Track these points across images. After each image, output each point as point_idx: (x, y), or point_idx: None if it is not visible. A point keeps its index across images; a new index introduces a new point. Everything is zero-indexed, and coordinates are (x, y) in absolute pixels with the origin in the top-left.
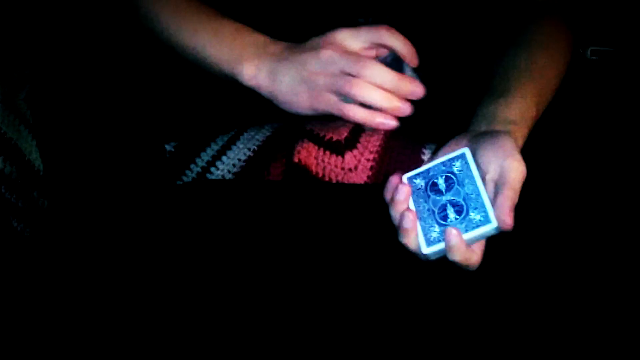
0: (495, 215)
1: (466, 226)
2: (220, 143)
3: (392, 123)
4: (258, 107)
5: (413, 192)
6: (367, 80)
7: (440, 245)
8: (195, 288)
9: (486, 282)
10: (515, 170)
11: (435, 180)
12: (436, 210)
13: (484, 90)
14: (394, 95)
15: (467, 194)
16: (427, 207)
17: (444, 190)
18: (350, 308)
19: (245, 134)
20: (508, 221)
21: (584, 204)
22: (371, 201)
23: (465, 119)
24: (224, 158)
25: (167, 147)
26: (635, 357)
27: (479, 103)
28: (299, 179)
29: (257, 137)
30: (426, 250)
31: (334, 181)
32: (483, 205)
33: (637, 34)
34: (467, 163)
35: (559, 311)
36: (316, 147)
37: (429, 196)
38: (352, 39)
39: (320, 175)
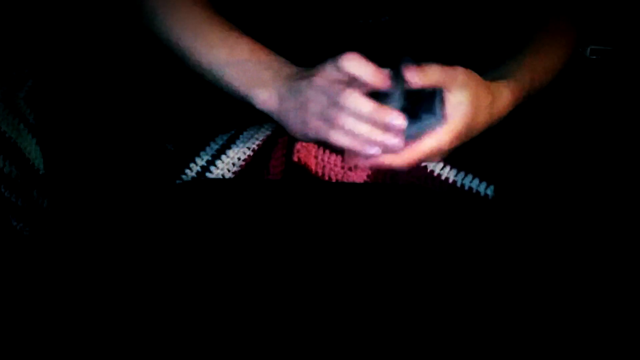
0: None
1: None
2: (220, 142)
3: (373, 151)
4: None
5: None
6: (349, 110)
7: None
8: (195, 287)
9: (486, 282)
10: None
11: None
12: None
13: None
14: (377, 127)
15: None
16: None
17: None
18: (351, 307)
19: (244, 133)
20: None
21: (583, 204)
22: (371, 200)
23: None
24: (223, 157)
25: (167, 146)
26: (636, 357)
27: None
28: (299, 178)
29: (256, 136)
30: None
31: (334, 180)
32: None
33: (637, 33)
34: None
35: (559, 311)
36: (316, 146)
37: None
38: (335, 69)
39: (320, 174)
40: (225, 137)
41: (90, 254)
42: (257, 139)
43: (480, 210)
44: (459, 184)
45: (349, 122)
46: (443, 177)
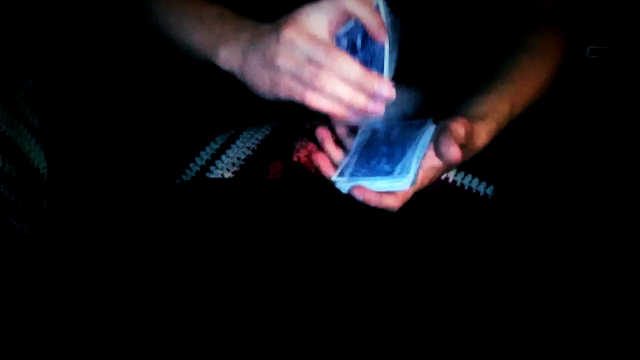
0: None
1: (377, 171)
2: (220, 142)
3: (356, 118)
4: (257, 106)
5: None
6: (332, 72)
7: (343, 180)
8: (195, 287)
9: (486, 282)
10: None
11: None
12: (372, 155)
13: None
14: (361, 92)
15: (395, 150)
16: (370, 149)
17: (382, 140)
18: (350, 307)
19: (244, 133)
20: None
21: (583, 203)
22: None
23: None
24: (223, 157)
25: (167, 146)
26: (636, 357)
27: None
28: (299, 178)
29: (256, 136)
30: (333, 177)
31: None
32: (402, 157)
33: (637, 33)
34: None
35: (558, 310)
36: (316, 146)
37: (373, 145)
38: (317, 16)
39: (320, 174)
40: (225, 137)
41: (90, 253)
42: (257, 139)
43: (480, 210)
44: (458, 184)
45: (331, 85)
46: (443, 177)
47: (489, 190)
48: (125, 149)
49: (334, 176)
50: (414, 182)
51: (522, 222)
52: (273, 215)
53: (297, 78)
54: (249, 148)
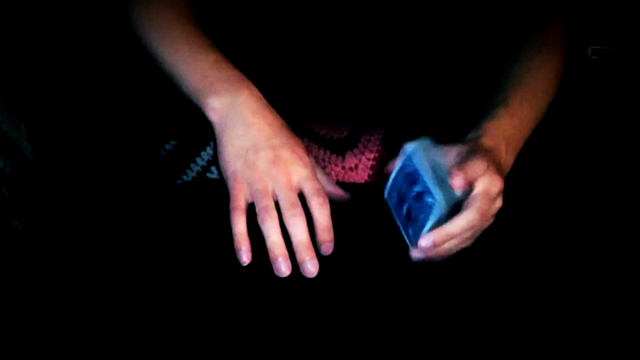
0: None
1: (424, 216)
2: None
3: (284, 271)
4: None
5: (392, 209)
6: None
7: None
8: (195, 287)
9: (486, 282)
10: (481, 182)
11: (401, 190)
12: (404, 215)
13: (484, 96)
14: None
15: (422, 188)
16: (403, 216)
17: (405, 197)
18: (350, 307)
19: None
20: (457, 182)
21: (583, 203)
22: (371, 200)
23: (464, 119)
24: None
25: (167, 147)
26: (636, 357)
27: (479, 110)
28: None
29: None
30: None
31: (334, 180)
32: (430, 187)
33: (638, 33)
34: (411, 160)
35: (559, 311)
36: (316, 146)
37: (400, 206)
38: (311, 175)
39: None
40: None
41: (90, 254)
42: None
43: None
44: None
45: (271, 231)
46: None
47: None
48: (126, 151)
49: (414, 253)
50: (442, 201)
51: (522, 222)
52: None
53: (260, 192)
54: None
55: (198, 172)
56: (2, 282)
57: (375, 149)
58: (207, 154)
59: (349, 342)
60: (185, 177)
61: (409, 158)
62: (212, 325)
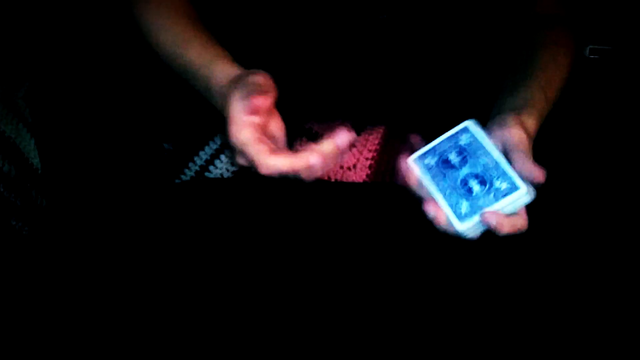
0: (522, 178)
1: (495, 195)
2: (219, 141)
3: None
4: None
5: (428, 171)
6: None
7: (475, 219)
8: (194, 286)
9: (486, 282)
10: (514, 135)
11: (446, 157)
12: (458, 185)
13: (483, 95)
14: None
15: (484, 165)
16: (447, 184)
17: (458, 165)
18: (350, 306)
19: None
20: (537, 174)
21: (583, 203)
22: (370, 200)
23: (466, 118)
24: (222, 156)
25: (166, 146)
26: (636, 357)
27: (478, 109)
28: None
29: None
30: (461, 226)
31: (333, 180)
32: (505, 173)
33: (637, 33)
34: (473, 135)
35: (559, 311)
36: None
37: (444, 174)
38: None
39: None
40: (224, 137)
41: (89, 253)
42: None
43: None
44: None
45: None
46: None
47: None
48: (125, 150)
49: (459, 226)
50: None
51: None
52: (272, 215)
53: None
54: None
55: (196, 172)
56: (0, 281)
57: (374, 148)
58: (205, 153)
59: (349, 342)
60: (183, 177)
61: (465, 131)
62: (210, 323)
